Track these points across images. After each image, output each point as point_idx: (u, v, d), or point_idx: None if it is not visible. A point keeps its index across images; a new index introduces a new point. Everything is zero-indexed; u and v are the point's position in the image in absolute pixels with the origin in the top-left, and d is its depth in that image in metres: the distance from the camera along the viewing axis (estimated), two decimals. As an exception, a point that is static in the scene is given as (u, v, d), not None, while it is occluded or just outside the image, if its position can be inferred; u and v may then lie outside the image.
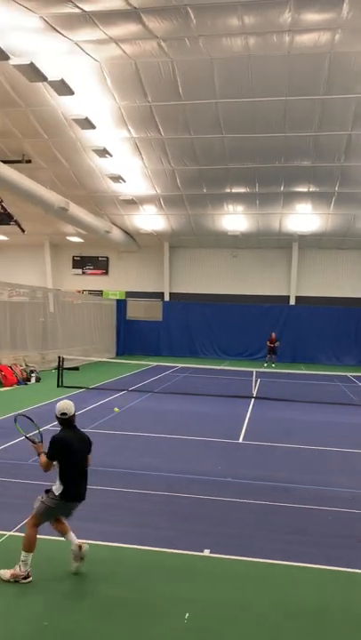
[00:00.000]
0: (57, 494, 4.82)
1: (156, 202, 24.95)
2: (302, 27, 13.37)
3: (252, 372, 17.66)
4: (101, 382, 18.25)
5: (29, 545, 4.74)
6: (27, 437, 5.26)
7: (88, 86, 16.41)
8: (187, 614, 4.39)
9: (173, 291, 31.06)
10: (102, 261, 31.99)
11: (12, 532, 5.72)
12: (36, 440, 5.18)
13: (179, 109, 17.73)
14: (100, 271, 32.04)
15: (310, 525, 6.33)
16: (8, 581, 4.71)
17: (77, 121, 17.45)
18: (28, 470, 7.95)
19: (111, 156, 20.17)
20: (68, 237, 29.74)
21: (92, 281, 32.03)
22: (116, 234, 27.67)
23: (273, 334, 26.77)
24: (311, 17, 12.93)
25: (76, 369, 21.28)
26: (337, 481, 8.07)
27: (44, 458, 4.93)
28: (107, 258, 31.92)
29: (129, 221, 27.57)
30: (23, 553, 4.72)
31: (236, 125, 18.37)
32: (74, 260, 32.17)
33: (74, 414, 5.01)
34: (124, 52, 14.73)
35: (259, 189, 23.00)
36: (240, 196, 24.00)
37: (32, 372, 18.41)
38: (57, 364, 17.75)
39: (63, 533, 5.03)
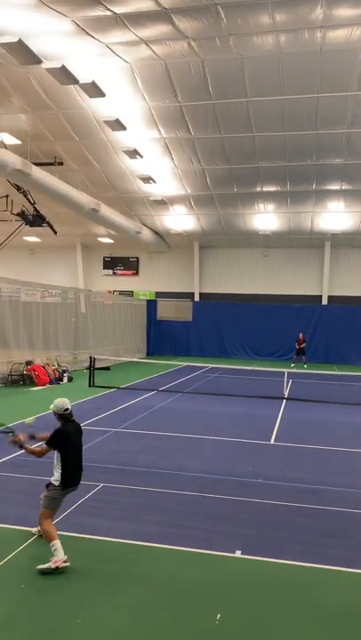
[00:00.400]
0: (57, 484, 5.22)
1: (187, 202, 24.96)
2: (334, 22, 13.16)
3: (283, 372, 17.49)
4: (132, 382, 18.36)
5: (50, 535, 5.07)
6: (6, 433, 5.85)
7: (119, 88, 16.54)
8: (218, 615, 4.37)
9: (203, 291, 31.02)
10: (133, 262, 32.20)
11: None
12: (10, 434, 5.76)
13: (209, 109, 17.69)
14: (130, 271, 32.26)
15: (341, 528, 6.22)
16: (54, 570, 4.88)
17: (108, 122, 17.60)
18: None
19: (142, 156, 20.28)
20: (98, 238, 30.05)
21: (123, 281, 32.26)
22: (147, 234, 27.80)
23: (300, 335, 26.43)
24: (343, 12, 12.71)
25: (107, 369, 21.47)
26: (371, 484, 7.91)
27: (37, 448, 5.45)
28: (137, 258, 32.11)
29: (159, 222, 27.67)
30: (50, 543, 5.03)
31: (266, 123, 18.23)
32: (105, 260, 32.48)
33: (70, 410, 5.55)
34: (154, 52, 14.79)
35: (290, 188, 22.77)
36: (271, 195, 23.81)
37: (64, 371, 18.66)
38: (88, 363, 17.94)
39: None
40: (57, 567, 4.90)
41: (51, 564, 4.90)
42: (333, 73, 15.49)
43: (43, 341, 20.09)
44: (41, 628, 4.15)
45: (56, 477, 5.24)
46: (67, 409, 5.45)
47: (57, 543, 5.00)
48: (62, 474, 5.22)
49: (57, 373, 18.35)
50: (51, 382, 17.62)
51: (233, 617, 4.38)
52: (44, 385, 17.21)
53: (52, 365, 18.74)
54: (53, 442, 5.33)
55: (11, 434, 5.77)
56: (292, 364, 25.40)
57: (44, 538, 5.15)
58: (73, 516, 6.23)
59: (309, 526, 6.27)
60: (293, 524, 6.33)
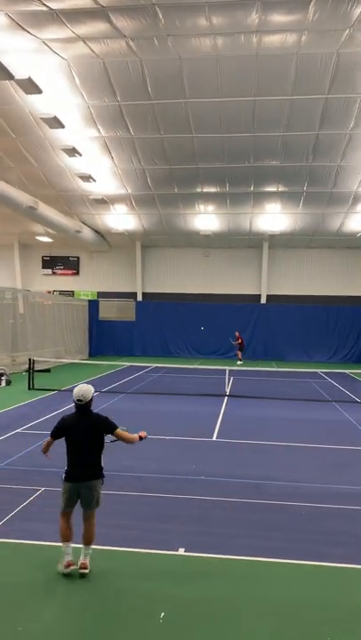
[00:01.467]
0: (62, 478, 5.14)
1: (127, 201, 24.87)
2: (270, 28, 13.51)
3: (224, 370, 17.77)
4: (74, 384, 18.03)
5: (61, 536, 5.07)
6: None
7: (56, 85, 16.26)
8: (162, 614, 4.40)
9: (146, 290, 31.02)
10: (73, 261, 31.73)
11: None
12: None
13: (148, 109, 17.70)
14: (70, 271, 31.78)
15: (283, 521, 6.41)
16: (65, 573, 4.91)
17: (46, 120, 17.28)
18: (0, 474, 7.86)
19: (81, 155, 20.03)
20: (37, 237, 29.40)
21: (63, 281, 31.75)
22: (87, 233, 27.48)
23: (236, 333, 27.07)
24: (278, 18, 13.07)
25: (48, 371, 21.05)
26: (309, 477, 8.18)
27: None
28: (77, 258, 31.68)
29: (100, 221, 27.42)
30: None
31: (205, 125, 18.45)
32: (43, 260, 31.83)
33: (90, 400, 5.24)
34: (92, 50, 14.64)
35: (229, 189, 23.15)
36: (211, 196, 24.12)
37: (2, 374, 18.13)
38: (27, 366, 17.53)
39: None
40: (68, 566, 4.92)
41: (62, 566, 4.95)
42: (269, 77, 15.88)
43: (-21, 344, 19.44)
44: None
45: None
46: (79, 399, 5.15)
47: (67, 546, 5.00)
48: (66, 468, 5.16)
49: (-5, 376, 17.80)
50: (-12, 386, 17.08)
51: (177, 615, 4.42)
52: (-19, 389, 16.66)
53: (-10, 368, 18.17)
54: (52, 429, 5.28)
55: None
56: (239, 362, 25.92)
57: (61, 537, 5.12)
58: (15, 521, 6.10)
59: (252, 520, 6.41)
60: (236, 519, 6.45)
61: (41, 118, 17.40)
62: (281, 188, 22.86)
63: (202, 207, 25.30)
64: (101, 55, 14.98)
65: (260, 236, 28.05)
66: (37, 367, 18.13)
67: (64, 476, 5.13)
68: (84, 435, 5.13)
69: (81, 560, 4.99)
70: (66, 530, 5.05)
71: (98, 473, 5.17)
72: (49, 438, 5.29)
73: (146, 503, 6.91)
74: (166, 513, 6.59)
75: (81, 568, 4.94)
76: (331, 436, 11.10)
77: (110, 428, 5.23)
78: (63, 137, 19.15)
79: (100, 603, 4.57)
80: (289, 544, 5.78)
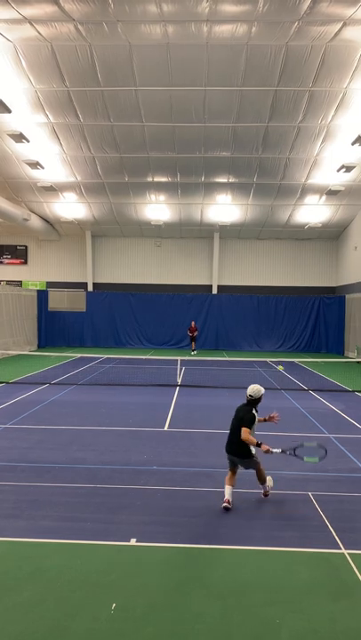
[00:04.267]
0: None
1: (77, 189, 24.44)
2: (220, 17, 13.52)
3: (176, 360, 17.83)
4: (22, 376, 17.74)
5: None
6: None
7: (2, 68, 15.72)
8: (113, 605, 4.40)
9: (97, 281, 30.68)
10: (21, 250, 30.95)
11: None
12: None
13: (98, 95, 17.41)
14: (18, 260, 31.00)
15: (232, 508, 6.51)
16: None
17: (-9, 104, 16.68)
18: None
19: (28, 141, 19.50)
20: (-17, 226, 28.49)
21: (10, 271, 30.96)
22: (35, 221, 26.85)
23: (193, 323, 27.17)
24: (228, 8, 13.09)
25: (-4, 362, 20.54)
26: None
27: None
28: (25, 247, 30.93)
29: (48, 209, 26.84)
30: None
31: (156, 114, 18.32)
32: (-10, 249, 30.90)
33: (258, 398, 6.95)
34: (39, 33, 14.23)
35: (180, 179, 23.13)
36: (162, 186, 24.02)
37: None
38: (-26, 358, 17.04)
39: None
40: None
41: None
42: (220, 67, 15.91)
43: None
44: None
45: None
46: (251, 395, 6.90)
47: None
48: None
49: None
50: None
51: (128, 604, 4.43)
52: None
53: None
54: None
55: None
56: (193, 353, 26.02)
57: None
58: None
59: (202, 509, 6.49)
60: (187, 508, 6.51)
61: (-14, 102, 16.79)
62: (231, 179, 23.03)
63: (153, 197, 25.18)
64: (49, 38, 14.59)
65: (211, 226, 28.22)
66: (-16, 359, 17.64)
67: None
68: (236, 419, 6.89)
69: None
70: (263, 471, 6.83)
71: None
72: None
73: (98, 495, 6.87)
74: (118, 504, 6.58)
75: None
76: (279, 424, 11.33)
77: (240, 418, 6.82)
78: (10, 122, 18.57)
79: (50, 598, 4.52)
80: (237, 530, 5.88)
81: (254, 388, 6.82)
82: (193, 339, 26.90)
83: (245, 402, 6.82)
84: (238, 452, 6.57)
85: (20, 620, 4.20)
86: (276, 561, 5.24)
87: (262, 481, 6.80)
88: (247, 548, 5.47)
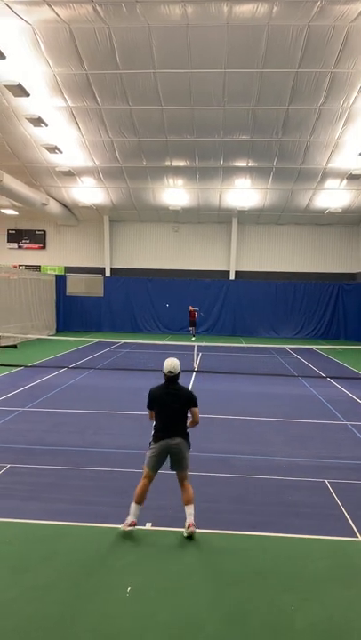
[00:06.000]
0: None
1: (95, 174, 24.37)
2: (240, -3, 13.23)
3: (193, 345, 17.82)
4: (41, 360, 17.91)
5: (135, 496, 5.49)
6: None
7: (20, 51, 15.64)
8: (129, 587, 4.44)
9: (115, 266, 30.70)
10: (39, 235, 31.08)
11: None
12: None
13: (116, 78, 17.25)
14: (37, 245, 31.15)
15: (248, 494, 6.52)
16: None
17: (10, 87, 16.64)
18: None
19: (47, 125, 19.45)
20: (2, 210, 28.62)
21: (30, 255, 31.13)
22: (54, 206, 26.88)
23: (190, 307, 27.15)
24: (249, -13, 12.80)
25: (14, 347, 20.76)
26: (274, 450, 8.33)
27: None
28: (44, 231, 31.04)
29: (67, 194, 26.83)
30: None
31: (174, 97, 18.11)
32: (9, 233, 31.07)
33: (178, 373, 5.76)
34: (57, 15, 14.09)
35: (198, 163, 22.91)
36: (180, 170, 23.83)
37: (-33, 350, 17.80)
38: (-7, 341, 17.23)
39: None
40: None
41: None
42: (240, 49, 15.62)
43: None
44: None
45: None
46: (170, 371, 5.65)
47: (137, 508, 5.41)
48: (153, 431, 5.60)
49: None
50: None
51: (143, 588, 4.47)
52: None
53: None
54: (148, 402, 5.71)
55: None
56: (193, 337, 25.99)
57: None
58: (-22, 499, 6.03)
59: (217, 494, 6.50)
60: (202, 492, 6.52)
61: (4, 85, 16.75)
62: (251, 163, 22.74)
63: (171, 181, 25.00)
64: (67, 20, 14.45)
65: (229, 211, 27.97)
66: (3, 343, 17.83)
67: (151, 440, 5.67)
68: (171, 403, 5.64)
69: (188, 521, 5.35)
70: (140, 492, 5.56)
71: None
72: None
73: (113, 478, 6.92)
74: (133, 488, 6.61)
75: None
76: (296, 410, 11.31)
77: (188, 400, 5.76)
78: (28, 106, 18.54)
79: (66, 580, 4.58)
80: (254, 516, 5.88)
81: (174, 363, 5.65)
82: (193, 323, 26.90)
83: (166, 381, 5.65)
84: (183, 442, 5.58)
85: (35, 601, 4.26)
86: (292, 548, 5.23)
87: (190, 499, 5.49)
88: (262, 534, 5.47)
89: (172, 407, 5.57)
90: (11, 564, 4.76)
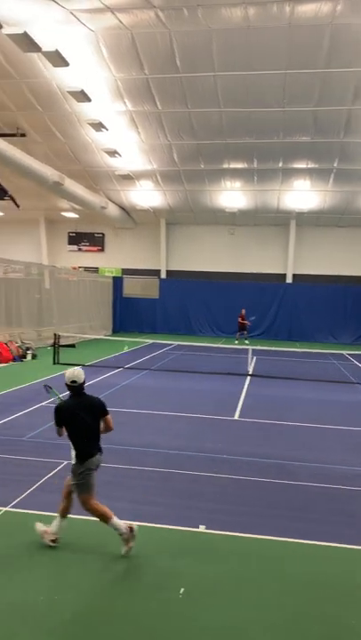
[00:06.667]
0: (74, 462, 5.05)
1: (153, 177, 24.65)
2: (303, -4, 13.03)
3: (247, 349, 17.68)
4: (98, 359, 18.26)
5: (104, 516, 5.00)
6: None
7: (83, 57, 16.02)
8: (182, 589, 4.43)
9: (170, 268, 30.92)
10: (98, 238, 31.75)
11: (7, 508, 5.74)
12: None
13: (176, 82, 17.37)
14: (95, 248, 31.82)
15: (306, 502, 6.38)
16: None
17: (73, 93, 17.11)
18: (24, 446, 7.99)
19: (107, 129, 19.84)
20: (63, 213, 29.45)
21: (88, 257, 31.84)
22: (112, 210, 27.39)
23: (243, 310, 26.64)
24: (313, -14, 12.59)
25: (73, 346, 21.27)
26: (332, 458, 8.12)
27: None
28: (102, 234, 31.67)
29: (125, 197, 27.28)
30: (109, 524, 4.99)
31: (234, 99, 18.04)
32: (69, 236, 31.91)
33: (83, 382, 5.20)
34: (120, 21, 14.35)
35: (257, 165, 22.73)
36: (238, 172, 23.72)
37: (28, 348, 18.39)
38: (53, 341, 17.72)
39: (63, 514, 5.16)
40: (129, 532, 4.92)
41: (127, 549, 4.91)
42: (301, 49, 15.37)
43: (5, 318, 19.70)
44: (3, 604, 4.12)
45: (72, 455, 5.10)
46: (74, 381, 5.10)
47: (114, 520, 4.95)
48: (75, 451, 5.08)
49: (20, 350, 18.06)
50: (14, 359, 17.35)
51: (196, 590, 4.45)
52: (6, 362, 16.93)
53: (15, 342, 18.43)
54: (55, 419, 5.14)
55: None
56: (236, 341, 25.50)
57: (102, 521, 5.00)
58: (36, 494, 6.20)
59: (275, 501, 6.40)
60: (258, 498, 6.45)
61: (68, 92, 17.24)
62: (311, 165, 22.34)
63: (228, 184, 24.93)
64: (130, 26, 14.69)
65: (287, 213, 27.57)
66: (62, 342, 18.32)
67: (76, 460, 5.07)
68: (87, 415, 5.16)
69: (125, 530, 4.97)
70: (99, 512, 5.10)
71: None
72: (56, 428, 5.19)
73: (170, 480, 6.95)
74: (189, 490, 6.62)
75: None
76: (356, 418, 10.99)
77: (101, 409, 5.30)
78: (90, 111, 18.97)
79: (123, 578, 4.63)
80: (311, 525, 5.75)
81: (76, 371, 5.18)
82: (243, 327, 26.33)
83: (73, 393, 5.19)
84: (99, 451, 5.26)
85: (89, 595, 4.33)
86: (350, 559, 5.07)
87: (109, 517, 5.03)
88: (321, 543, 5.33)
89: (86, 421, 5.11)
90: (67, 560, 4.85)
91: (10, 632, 3.83)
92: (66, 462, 7.25)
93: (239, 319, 26.54)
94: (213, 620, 4.07)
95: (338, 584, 4.64)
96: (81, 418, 5.09)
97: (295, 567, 4.88)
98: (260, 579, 4.67)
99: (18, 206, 22.96)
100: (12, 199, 22.34)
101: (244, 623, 4.05)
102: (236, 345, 22.52)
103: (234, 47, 15.48)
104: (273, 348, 19.65)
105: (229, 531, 5.50)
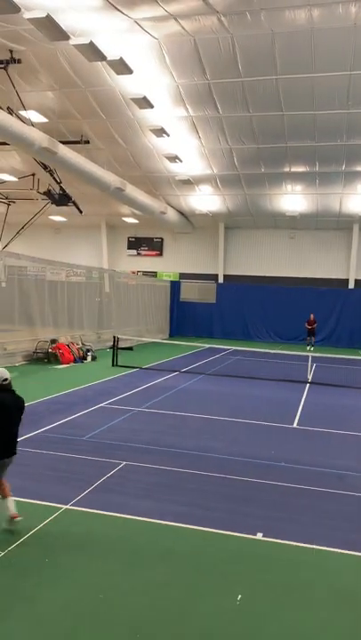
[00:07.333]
0: None
1: (213, 182, 24.68)
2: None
3: (307, 356, 17.35)
4: (155, 362, 18.44)
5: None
6: None
7: (146, 65, 16.29)
8: (239, 596, 4.39)
9: (228, 273, 30.82)
10: (157, 242, 32.11)
11: (68, 506, 5.88)
12: None
13: (237, 86, 17.34)
14: (154, 252, 32.20)
15: (343, 506, 6.17)
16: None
17: (135, 100, 17.39)
18: (84, 446, 8.17)
19: (168, 135, 20.04)
20: (123, 218, 29.99)
21: (147, 262, 32.24)
22: (171, 215, 27.63)
23: (311, 316, 26.23)
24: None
25: (130, 349, 21.59)
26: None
27: None
28: (161, 239, 32.00)
29: (184, 202, 27.45)
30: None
31: (296, 102, 17.81)
32: (129, 240, 32.46)
33: (9, 380, 5.33)
34: (183, 28, 14.49)
35: (319, 168, 22.31)
36: (299, 176, 23.37)
37: (88, 350, 18.82)
38: (112, 343, 18.05)
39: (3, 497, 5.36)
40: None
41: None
42: (368, 49, 14.98)
43: (67, 320, 20.27)
44: (61, 602, 4.22)
45: None
46: (5, 379, 5.25)
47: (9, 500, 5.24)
48: None
49: (81, 352, 18.51)
50: (75, 361, 17.80)
51: (253, 598, 4.39)
52: (68, 363, 17.39)
53: (77, 344, 18.91)
54: None
55: None
56: (308, 347, 25.25)
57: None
58: (96, 493, 6.31)
59: (332, 511, 6.24)
60: (316, 508, 6.30)
61: (131, 99, 17.55)
62: (375, 168, 21.70)
63: (289, 187, 24.60)
64: (192, 33, 14.80)
65: (350, 217, 26.88)
66: (121, 345, 18.64)
67: None
68: (16, 412, 5.33)
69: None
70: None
71: None
72: None
73: (226, 485, 6.90)
74: (245, 496, 6.56)
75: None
76: None
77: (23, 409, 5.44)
78: (152, 117, 19.24)
79: (178, 580, 4.63)
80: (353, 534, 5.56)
81: (3, 370, 5.29)
82: (311, 332, 26.09)
83: (3, 389, 5.24)
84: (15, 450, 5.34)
85: (147, 597, 4.36)
86: None
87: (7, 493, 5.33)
88: (382, 559, 5.15)
89: (16, 418, 5.30)
90: (126, 559, 4.92)
91: (68, 629, 3.91)
92: (124, 463, 7.37)
93: (307, 324, 26.24)
94: (270, 629, 4.00)
95: None
96: (12, 414, 5.26)
97: (351, 579, 4.73)
98: (315, 589, 4.56)
99: (81, 212, 23.64)
100: (76, 205, 23.02)
101: (303, 636, 3.96)
102: (305, 351, 22.09)
103: (297, 49, 15.28)
104: (334, 356, 19.18)
105: (286, 539, 5.40)
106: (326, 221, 27.78)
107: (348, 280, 28.83)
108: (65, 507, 5.87)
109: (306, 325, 26.67)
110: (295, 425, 10.51)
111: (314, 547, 5.28)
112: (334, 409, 12.29)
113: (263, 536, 5.47)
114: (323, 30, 14.31)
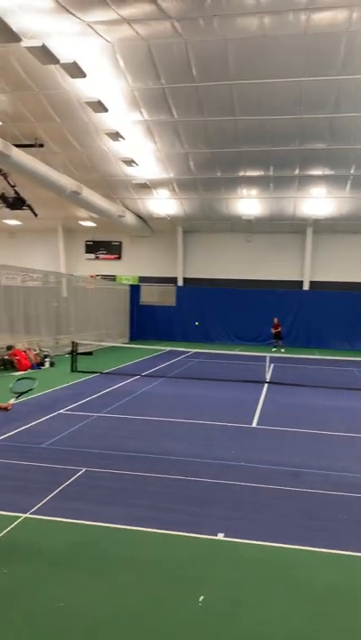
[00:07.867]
0: None
1: (170, 185, 24.79)
2: (319, 5, 13.08)
3: (265, 357, 17.62)
4: (115, 367, 18.34)
5: None
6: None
7: (101, 68, 16.25)
8: (201, 597, 4.42)
9: (187, 276, 30.99)
10: (115, 246, 31.98)
11: (27, 515, 5.79)
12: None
13: (192, 91, 17.50)
14: (113, 256, 32.05)
15: (319, 510, 6.32)
16: None
17: (90, 104, 17.34)
18: (43, 453, 8.05)
19: (124, 139, 20.04)
20: (80, 222, 29.75)
21: (106, 266, 32.07)
22: (130, 218, 27.59)
23: (275, 320, 26.74)
24: (328, -6, 12.63)
25: (90, 354, 21.39)
26: (349, 466, 8.04)
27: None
28: (120, 242, 31.89)
29: (142, 205, 27.46)
30: None
31: (250, 107, 18.12)
32: (87, 244, 32.20)
33: None
34: (136, 32, 14.53)
35: (273, 172, 22.75)
36: (254, 180, 23.76)
37: (46, 356, 18.54)
38: (70, 348, 17.85)
39: None
40: None
41: None
42: (318, 56, 15.41)
43: (24, 326, 19.90)
44: (20, 614, 4.14)
45: None
46: None
47: None
48: None
49: (38, 358, 18.22)
50: (32, 367, 17.51)
51: (216, 599, 4.43)
52: (25, 370, 17.08)
53: (34, 350, 18.61)
54: None
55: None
56: (274, 349, 25.66)
57: None
58: (55, 501, 6.23)
59: (290, 508, 6.35)
60: (274, 506, 6.41)
61: (85, 102, 17.47)
62: (327, 172, 22.29)
63: (244, 191, 24.97)
64: (146, 37, 14.86)
65: (304, 220, 27.51)
66: (80, 350, 18.44)
67: None
68: None
69: None
70: None
71: None
72: None
73: (188, 487, 6.94)
74: (206, 497, 6.61)
75: None
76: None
77: None
78: (107, 121, 19.20)
79: (142, 585, 4.62)
80: (324, 533, 5.70)
81: None
82: (277, 335, 26.53)
83: None
84: None
85: (110, 602, 4.34)
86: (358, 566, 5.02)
87: None
88: (334, 551, 5.27)
89: None
90: (88, 566, 4.87)
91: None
92: (85, 469, 7.30)
93: (272, 329, 26.62)
94: (233, 628, 4.05)
95: (348, 591, 4.58)
96: None
97: (309, 575, 4.84)
98: (276, 586, 4.64)
99: (36, 215, 23.20)
100: (31, 208, 22.59)
101: (263, 634, 4.02)
102: (274, 352, 22.35)
103: (249, 56, 15.56)
104: (291, 355, 19.53)
105: (246, 539, 5.47)
106: (281, 225, 28.34)
107: (302, 282, 29.47)
108: (24, 515, 5.77)
109: (272, 330, 27.04)
110: (254, 425, 10.65)
111: (274, 544, 5.37)
112: (292, 408, 12.52)
113: (224, 536, 5.52)
114: (274, 37, 14.63)
